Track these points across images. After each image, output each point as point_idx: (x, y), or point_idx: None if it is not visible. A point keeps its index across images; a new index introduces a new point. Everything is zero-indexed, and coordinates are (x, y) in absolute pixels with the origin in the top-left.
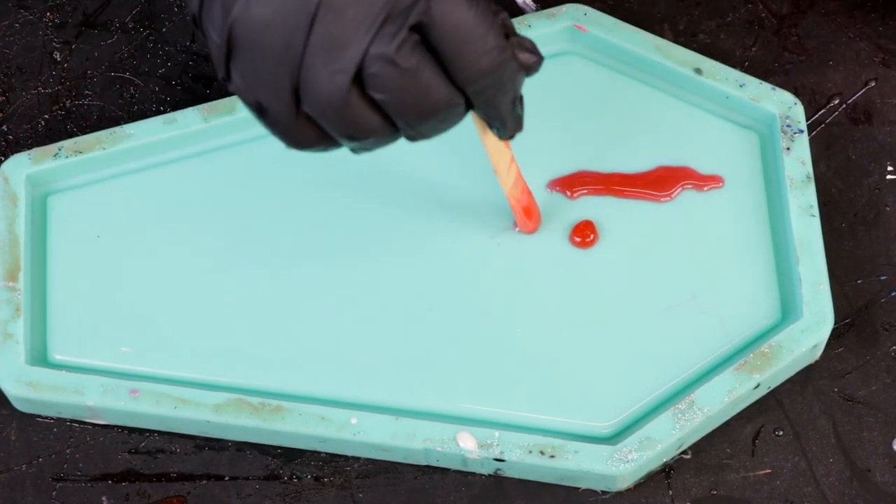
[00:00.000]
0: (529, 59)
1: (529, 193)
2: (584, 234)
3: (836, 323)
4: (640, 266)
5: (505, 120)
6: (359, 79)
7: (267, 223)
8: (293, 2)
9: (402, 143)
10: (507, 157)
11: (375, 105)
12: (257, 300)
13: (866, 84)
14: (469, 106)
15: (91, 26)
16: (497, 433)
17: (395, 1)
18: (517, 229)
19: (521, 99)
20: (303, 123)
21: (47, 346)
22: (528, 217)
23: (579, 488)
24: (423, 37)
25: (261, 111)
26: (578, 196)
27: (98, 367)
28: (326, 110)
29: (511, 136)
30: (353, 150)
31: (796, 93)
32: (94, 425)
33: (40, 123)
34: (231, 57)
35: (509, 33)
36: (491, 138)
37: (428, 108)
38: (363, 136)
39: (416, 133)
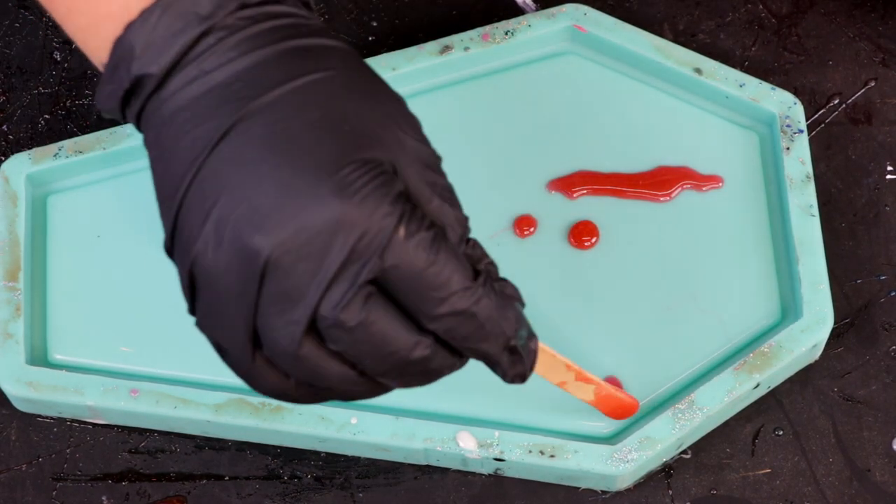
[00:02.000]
0: (513, 296)
1: (602, 386)
2: (583, 237)
3: (835, 323)
4: (640, 266)
5: (497, 362)
6: (315, 329)
7: None
8: (245, 253)
9: None
10: (559, 375)
11: (336, 355)
12: None
13: (866, 84)
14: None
15: None
16: (497, 433)
17: (347, 257)
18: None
19: (527, 337)
20: (262, 367)
21: (47, 346)
22: (619, 413)
23: (579, 488)
24: (381, 285)
25: (221, 352)
26: (578, 196)
27: (98, 367)
28: (282, 359)
29: (513, 381)
30: (329, 398)
31: (796, 93)
32: (95, 425)
33: (40, 123)
34: (194, 295)
35: (483, 273)
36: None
37: (387, 356)
38: (324, 384)
39: (391, 382)
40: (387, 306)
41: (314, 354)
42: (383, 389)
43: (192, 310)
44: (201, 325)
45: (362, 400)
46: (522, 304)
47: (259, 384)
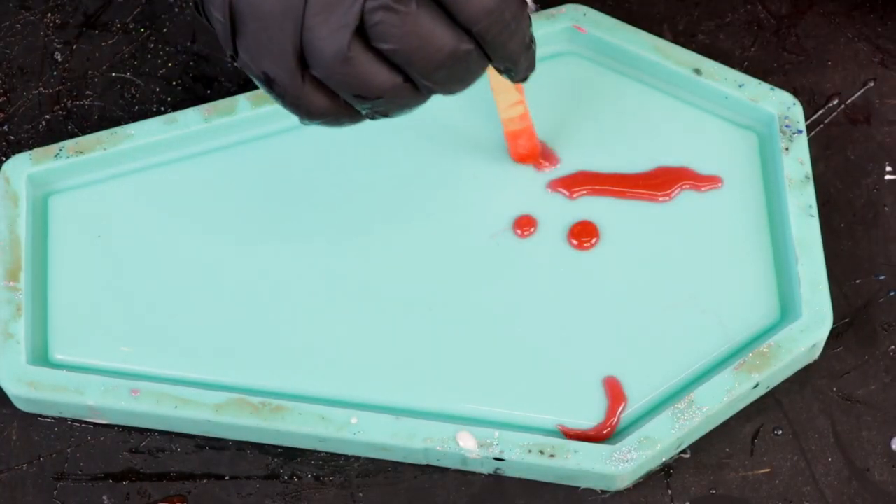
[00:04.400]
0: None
1: (532, 137)
2: (583, 237)
3: (834, 323)
4: (639, 266)
5: (516, 61)
6: (362, 33)
7: (267, 223)
8: None
9: (403, 142)
10: (514, 98)
11: (383, 59)
12: (258, 300)
13: (865, 84)
14: (484, 53)
15: (92, 27)
16: (497, 433)
17: None
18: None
19: (533, 41)
20: (311, 90)
21: (48, 346)
22: (526, 156)
23: (579, 488)
24: None
25: (269, 83)
26: (578, 196)
27: (99, 367)
28: (332, 69)
29: (524, 79)
30: (371, 116)
31: (795, 93)
32: (95, 425)
33: (41, 124)
34: (235, 32)
35: None
36: (497, 76)
37: (434, 53)
38: (374, 94)
39: (433, 84)
40: (430, 2)
41: (363, 58)
42: (426, 96)
43: (234, 50)
44: (246, 61)
45: (404, 111)
46: (534, 5)
47: (309, 108)
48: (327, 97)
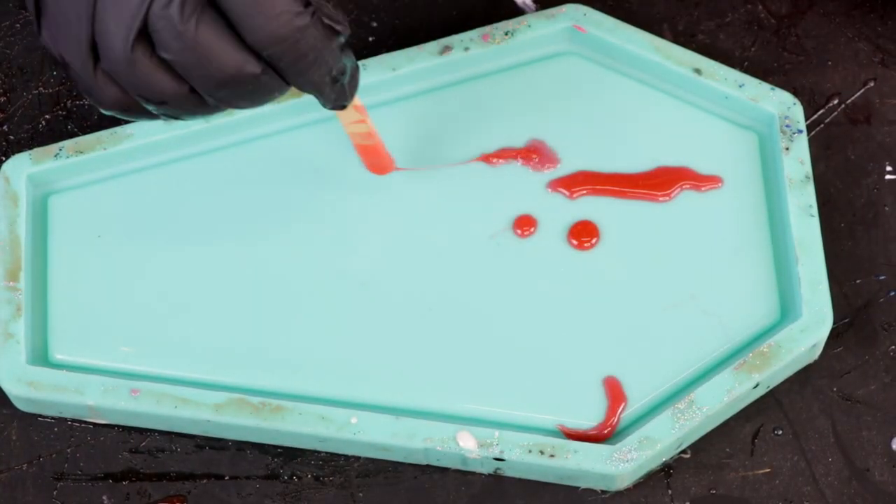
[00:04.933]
0: (336, 27)
1: (378, 153)
2: (583, 237)
3: (835, 323)
4: (640, 266)
5: (320, 91)
6: (149, 38)
7: (267, 223)
8: None
9: (403, 142)
10: (354, 116)
11: (167, 66)
12: (257, 300)
13: (865, 84)
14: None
15: None
16: (497, 433)
17: None
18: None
19: (351, 70)
20: (103, 81)
21: (48, 346)
22: (378, 169)
23: (579, 488)
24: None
25: (65, 67)
26: (578, 196)
27: (98, 367)
28: (116, 67)
29: (336, 108)
30: (163, 117)
31: (795, 93)
32: (95, 425)
33: (41, 123)
34: (39, 11)
35: (314, 3)
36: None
37: (215, 72)
38: (156, 98)
39: (217, 100)
40: (217, 20)
41: (146, 63)
42: (214, 108)
43: (38, 27)
44: (47, 39)
45: (195, 118)
46: (347, 33)
47: (100, 98)
48: (119, 90)
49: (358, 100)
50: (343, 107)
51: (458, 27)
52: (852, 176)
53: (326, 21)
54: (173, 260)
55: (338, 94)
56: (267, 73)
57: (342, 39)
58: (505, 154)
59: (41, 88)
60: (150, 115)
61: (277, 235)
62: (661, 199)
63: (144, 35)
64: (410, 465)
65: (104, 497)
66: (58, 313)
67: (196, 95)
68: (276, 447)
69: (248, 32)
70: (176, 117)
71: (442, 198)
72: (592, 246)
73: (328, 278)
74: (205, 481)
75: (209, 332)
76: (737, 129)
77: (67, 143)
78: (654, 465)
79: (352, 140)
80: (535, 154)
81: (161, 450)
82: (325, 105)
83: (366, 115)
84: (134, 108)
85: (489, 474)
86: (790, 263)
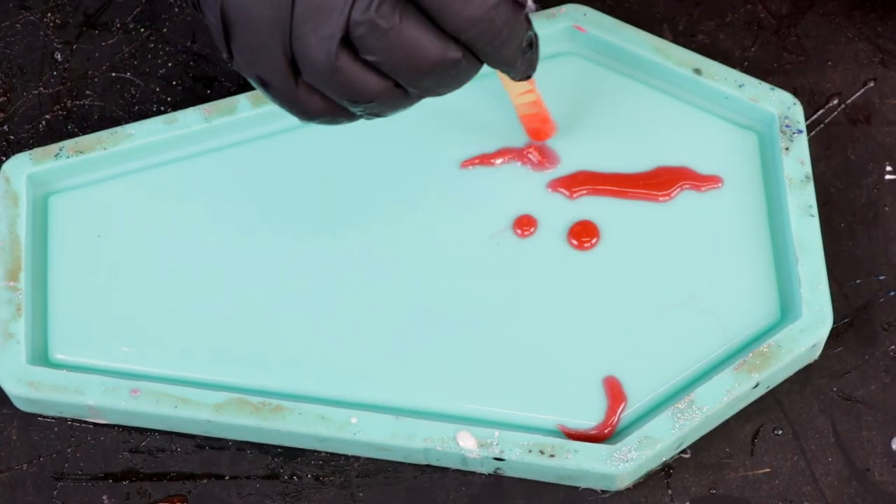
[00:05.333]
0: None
1: (545, 120)
2: (583, 237)
3: (834, 323)
4: (640, 266)
5: (512, 64)
6: (350, 42)
7: (267, 223)
8: None
9: (403, 142)
10: (523, 87)
11: (371, 66)
12: (257, 300)
13: (865, 84)
14: (476, 57)
15: (92, 27)
16: (497, 432)
17: None
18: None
19: (534, 40)
20: (305, 93)
21: (48, 346)
22: (541, 136)
23: (579, 487)
24: None
25: (264, 85)
26: (578, 196)
27: (99, 367)
28: (321, 77)
29: (524, 78)
30: (365, 117)
31: (795, 93)
32: (95, 424)
33: (41, 123)
34: (229, 35)
35: None
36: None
37: (420, 63)
38: (364, 99)
39: (421, 90)
40: (416, 14)
41: (350, 67)
42: (416, 98)
43: (230, 53)
44: (240, 64)
45: (398, 110)
46: (532, 5)
47: (304, 110)
48: (322, 99)
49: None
50: (529, 76)
51: None
52: (852, 176)
53: None
54: (173, 260)
55: (527, 64)
56: (466, 57)
57: (528, 10)
58: (505, 154)
59: (41, 88)
60: (352, 117)
61: (277, 235)
62: (661, 199)
63: (345, 41)
64: (410, 465)
65: (104, 497)
66: (58, 313)
67: (400, 89)
68: (276, 447)
69: (447, 20)
70: (379, 114)
71: (442, 198)
72: (592, 246)
73: (328, 278)
74: (205, 481)
75: (209, 332)
76: (737, 129)
77: (67, 143)
78: (654, 464)
79: (517, 111)
80: (535, 153)
81: (161, 450)
82: (514, 78)
83: (534, 84)
84: (338, 113)
85: (489, 474)
86: (790, 263)
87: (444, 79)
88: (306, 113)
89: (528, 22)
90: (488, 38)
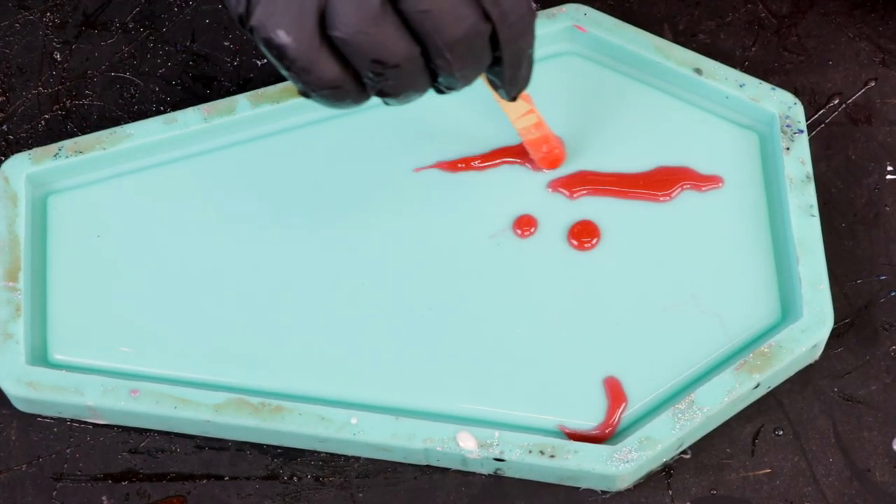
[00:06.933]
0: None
1: (549, 139)
2: (583, 237)
3: (835, 323)
4: (640, 266)
5: (518, 62)
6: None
7: (267, 223)
8: None
9: (403, 142)
10: (523, 108)
11: (406, 26)
12: (257, 300)
13: (866, 84)
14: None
15: (91, 26)
16: (497, 433)
17: None
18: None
19: (532, 58)
20: (324, 56)
21: (47, 346)
22: (552, 163)
23: (579, 488)
24: None
25: (279, 48)
26: (578, 196)
27: (98, 367)
28: (358, 29)
29: (514, 92)
30: (376, 93)
31: (796, 93)
32: (94, 425)
33: (40, 123)
34: None
35: None
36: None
37: (459, 22)
38: (392, 60)
39: (446, 61)
40: None
41: (390, 21)
42: (430, 82)
43: (247, 9)
44: (261, 19)
45: (406, 95)
46: (535, 4)
47: (319, 76)
48: (339, 66)
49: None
50: (514, 93)
51: None
52: (853, 176)
53: None
54: (172, 260)
55: (528, 70)
56: (488, 37)
57: (533, 7)
58: (505, 153)
59: (41, 88)
60: (359, 96)
61: (277, 235)
62: (661, 199)
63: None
64: (410, 465)
65: (104, 497)
66: (57, 313)
67: (423, 61)
68: (275, 447)
69: None
70: (392, 94)
71: (442, 198)
72: (593, 246)
73: (328, 278)
74: (204, 482)
75: (209, 332)
76: (737, 129)
77: (67, 143)
78: (655, 465)
79: (521, 136)
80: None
81: (161, 450)
82: (510, 91)
83: (533, 105)
84: (350, 86)
85: (489, 475)
86: (791, 263)
87: (470, 52)
88: (319, 80)
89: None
90: (516, 18)
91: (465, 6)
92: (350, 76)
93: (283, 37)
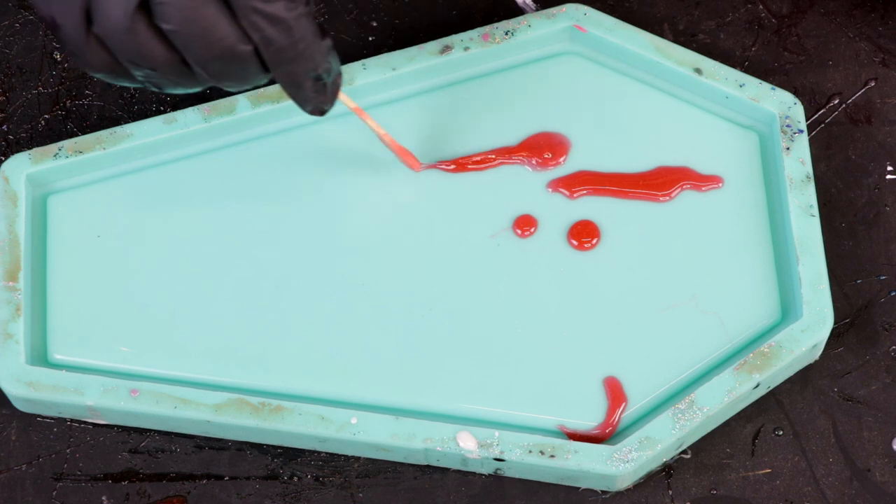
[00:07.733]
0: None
1: (396, 150)
2: (583, 237)
3: (835, 323)
4: (640, 266)
5: (299, 86)
6: (147, 6)
7: (267, 223)
8: None
9: (402, 142)
10: (371, 123)
11: (163, 35)
12: (257, 300)
13: (866, 84)
14: (265, 67)
15: None
16: (497, 433)
17: None
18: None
19: (336, 78)
20: (93, 45)
21: (47, 346)
22: (412, 166)
23: (579, 488)
24: None
25: (54, 27)
26: (578, 196)
27: (98, 367)
28: (112, 33)
29: (314, 111)
30: (147, 85)
31: (796, 93)
32: (94, 425)
33: (40, 123)
34: None
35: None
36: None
37: (210, 46)
38: (147, 65)
39: (208, 75)
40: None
41: (143, 31)
42: (199, 82)
43: None
44: (36, 2)
45: (177, 90)
46: (332, 43)
47: (90, 61)
48: (107, 54)
49: (352, 102)
50: (322, 112)
51: (458, 27)
52: (853, 176)
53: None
54: (173, 260)
55: (318, 92)
56: (254, 58)
57: (330, 43)
58: (504, 153)
59: (41, 88)
60: (133, 81)
61: (277, 235)
62: (661, 199)
63: (144, 4)
64: (410, 465)
65: (104, 497)
66: (57, 313)
67: (185, 66)
68: (275, 447)
69: (246, 11)
70: (160, 87)
71: (442, 197)
72: (593, 246)
73: (328, 278)
74: (204, 481)
75: (209, 332)
76: (737, 129)
77: (67, 143)
78: (655, 465)
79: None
80: (545, 147)
81: (161, 450)
82: (304, 107)
83: (367, 117)
84: (119, 72)
85: (489, 475)
86: (791, 263)
87: (230, 70)
88: (90, 65)
89: (333, 59)
90: (282, 45)
91: (223, 28)
92: (118, 65)
93: (55, 20)
